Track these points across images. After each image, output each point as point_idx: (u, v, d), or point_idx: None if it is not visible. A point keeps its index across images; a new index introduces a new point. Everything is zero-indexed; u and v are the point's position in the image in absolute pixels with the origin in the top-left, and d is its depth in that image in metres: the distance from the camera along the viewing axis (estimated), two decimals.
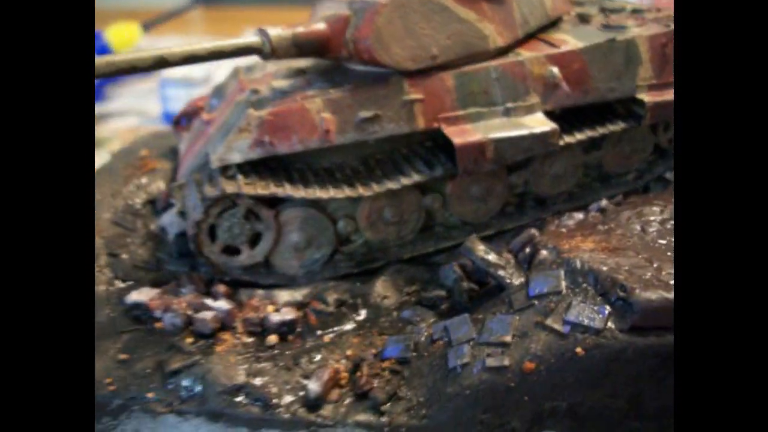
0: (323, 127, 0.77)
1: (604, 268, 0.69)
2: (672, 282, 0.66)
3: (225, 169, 0.78)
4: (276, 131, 0.77)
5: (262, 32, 0.77)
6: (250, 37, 0.77)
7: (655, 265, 0.69)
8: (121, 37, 1.74)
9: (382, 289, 0.80)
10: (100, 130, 1.59)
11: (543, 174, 0.87)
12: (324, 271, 0.82)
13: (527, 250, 0.79)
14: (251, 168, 0.78)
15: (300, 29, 0.78)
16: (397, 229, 0.83)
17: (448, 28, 0.80)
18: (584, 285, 0.69)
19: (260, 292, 0.78)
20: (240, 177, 0.76)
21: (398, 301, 0.79)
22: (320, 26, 0.79)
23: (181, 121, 0.97)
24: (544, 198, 0.89)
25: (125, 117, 1.64)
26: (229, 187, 0.75)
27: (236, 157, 0.77)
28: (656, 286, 0.66)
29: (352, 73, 0.83)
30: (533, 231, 0.82)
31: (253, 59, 0.83)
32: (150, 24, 1.78)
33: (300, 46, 0.78)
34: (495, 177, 0.85)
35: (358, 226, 0.82)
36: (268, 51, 0.76)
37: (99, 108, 1.68)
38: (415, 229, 0.84)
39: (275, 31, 0.77)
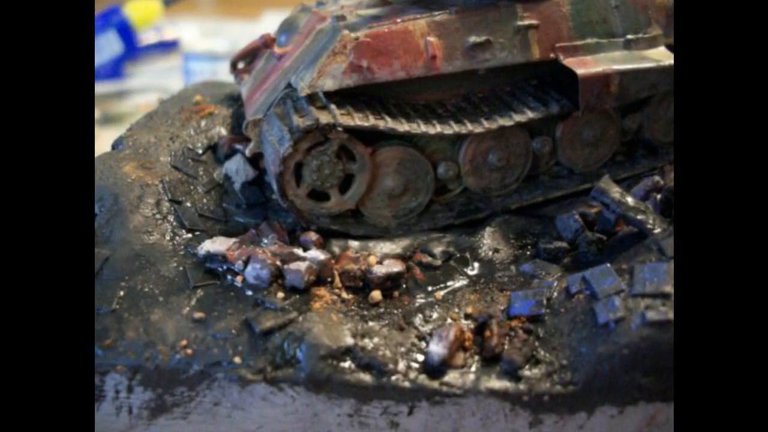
0: (429, 53, 0.67)
1: None
2: None
3: (313, 101, 0.66)
4: (375, 55, 0.66)
5: None
6: None
7: None
8: (140, 13, 1.64)
9: (491, 241, 0.69)
10: (121, 106, 1.48)
11: (659, 118, 0.78)
12: (420, 222, 0.71)
13: (657, 196, 0.69)
14: (342, 100, 0.67)
15: None
16: (502, 175, 0.73)
17: None
18: None
19: (354, 243, 0.67)
20: (334, 106, 0.65)
21: (512, 255, 0.69)
22: None
23: (240, 63, 0.85)
24: (655, 146, 0.79)
25: (146, 93, 1.53)
26: (323, 117, 0.64)
27: (330, 84, 0.66)
28: None
29: (448, 1, 0.73)
30: (656, 179, 0.73)
31: None
32: (168, 1, 1.67)
33: None
34: (609, 119, 0.75)
35: (459, 170, 0.72)
36: None
37: (118, 86, 1.59)
38: (521, 176, 0.74)
39: None
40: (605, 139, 0.76)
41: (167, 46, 1.71)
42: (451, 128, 0.67)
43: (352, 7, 0.77)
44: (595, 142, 0.76)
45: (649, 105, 0.76)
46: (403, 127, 0.66)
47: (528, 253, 0.69)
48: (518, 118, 0.69)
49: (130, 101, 1.53)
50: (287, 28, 0.81)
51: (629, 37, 0.73)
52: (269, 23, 1.71)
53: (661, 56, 0.72)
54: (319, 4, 0.82)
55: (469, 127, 0.68)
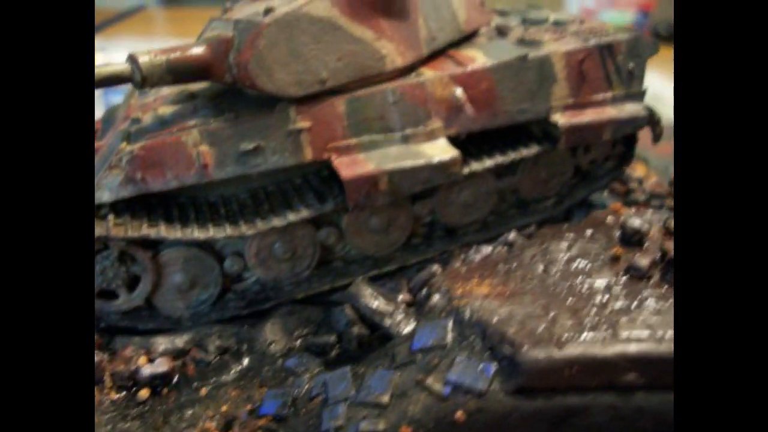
0: (201, 162, 0.71)
1: (495, 319, 0.63)
2: (565, 337, 0.61)
3: (97, 208, 0.72)
4: (149, 167, 0.70)
5: (131, 58, 0.70)
6: (117, 65, 0.71)
7: (551, 315, 0.63)
8: None
9: (270, 333, 0.74)
10: None
11: (450, 203, 0.81)
12: (213, 312, 0.77)
13: (424, 291, 0.73)
14: (126, 205, 0.72)
15: (175, 54, 0.71)
16: (291, 265, 0.78)
17: (339, 49, 0.73)
18: (471, 338, 0.63)
19: (137, 339, 0.73)
20: (111, 217, 0.70)
21: (286, 347, 0.74)
22: (199, 50, 0.72)
23: None
24: (454, 228, 0.83)
25: None
26: (97, 230, 0.69)
27: (106, 196, 0.70)
28: (547, 341, 0.60)
29: (246, 97, 0.76)
30: (435, 268, 0.77)
31: None
32: (96, 28, 1.71)
33: (175, 73, 0.71)
34: (397, 207, 0.78)
35: (247, 263, 0.76)
36: (139, 80, 0.70)
37: None
38: (311, 264, 0.78)
39: (146, 57, 0.70)
40: (396, 225, 0.79)
41: None
42: (225, 232, 0.72)
43: (162, 100, 0.81)
44: (385, 229, 0.79)
45: (440, 191, 0.79)
46: (175, 234, 0.71)
47: (301, 345, 0.74)
48: (292, 217, 0.73)
49: None
50: (110, 118, 0.86)
51: (407, 131, 0.76)
52: None
53: (437, 151, 0.75)
54: (142, 93, 0.86)
55: (243, 229, 0.72)
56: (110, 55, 1.79)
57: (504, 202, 0.85)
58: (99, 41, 1.86)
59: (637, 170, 1.02)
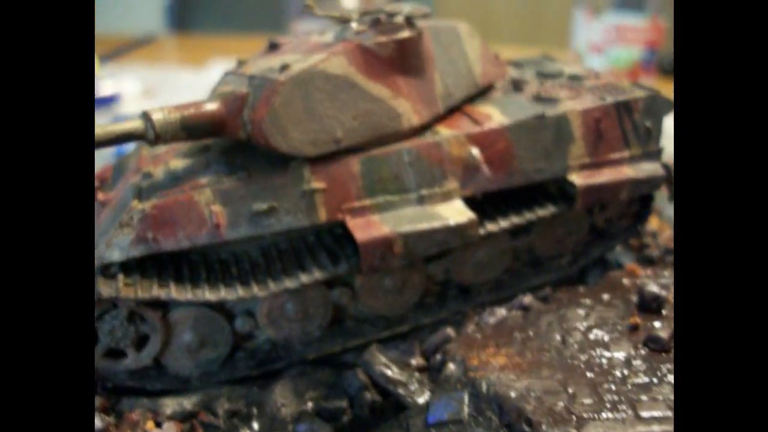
0: (213, 222, 0.70)
1: (512, 394, 0.62)
2: (584, 416, 0.59)
3: (107, 267, 0.70)
4: (160, 226, 0.69)
5: (145, 116, 0.69)
6: (131, 122, 0.70)
7: (570, 391, 0.62)
8: None
9: (280, 395, 0.73)
10: None
11: (465, 262, 0.80)
12: (222, 372, 0.75)
13: (438, 356, 0.72)
14: (136, 264, 0.71)
15: (189, 110, 0.70)
16: (302, 325, 0.76)
17: (355, 108, 0.72)
18: (488, 413, 0.62)
19: (144, 400, 0.71)
20: (120, 277, 0.69)
21: (297, 411, 0.72)
22: (213, 107, 0.71)
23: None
24: (468, 287, 0.81)
25: None
26: (106, 290, 0.68)
27: (116, 255, 0.69)
28: (566, 420, 0.59)
29: (259, 152, 0.75)
30: (448, 330, 0.75)
31: None
32: (108, 56, 1.69)
33: (189, 130, 0.70)
34: (411, 267, 0.77)
35: (258, 323, 0.75)
36: (152, 137, 0.69)
37: None
38: (323, 324, 0.77)
39: (160, 114, 0.69)
40: (409, 285, 0.78)
41: (105, 102, 1.74)
42: (236, 293, 0.70)
43: (174, 152, 0.79)
44: (399, 289, 0.78)
45: (454, 251, 0.78)
46: (186, 295, 0.69)
47: (312, 408, 0.72)
48: (305, 279, 0.71)
49: None
50: (120, 168, 0.85)
51: (423, 192, 0.74)
52: (215, 72, 1.74)
53: (452, 213, 0.73)
54: None
55: (255, 290, 0.71)
56: (121, 82, 1.79)
57: (518, 260, 0.84)
58: (111, 69, 1.86)
59: (651, 223, 1.01)
